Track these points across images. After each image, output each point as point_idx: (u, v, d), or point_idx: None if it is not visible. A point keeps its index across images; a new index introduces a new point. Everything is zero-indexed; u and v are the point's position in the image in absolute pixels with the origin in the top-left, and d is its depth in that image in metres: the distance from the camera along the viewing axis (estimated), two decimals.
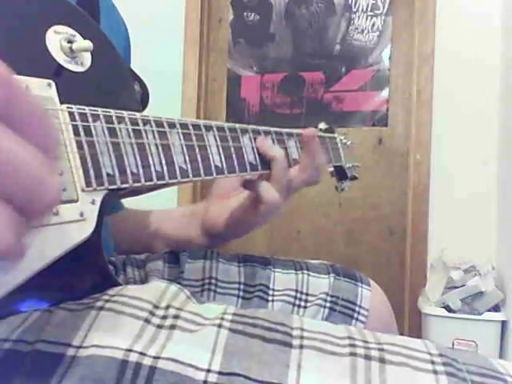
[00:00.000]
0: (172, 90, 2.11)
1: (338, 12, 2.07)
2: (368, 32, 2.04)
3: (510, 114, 1.69)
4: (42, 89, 0.34)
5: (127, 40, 0.67)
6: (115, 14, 0.63)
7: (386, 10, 2.02)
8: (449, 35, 1.89)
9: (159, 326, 0.34)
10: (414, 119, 1.92)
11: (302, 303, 0.60)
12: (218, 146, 0.48)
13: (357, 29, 2.05)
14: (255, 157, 0.54)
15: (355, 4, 2.05)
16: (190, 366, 0.31)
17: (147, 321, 0.35)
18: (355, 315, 0.60)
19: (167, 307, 0.37)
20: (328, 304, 0.60)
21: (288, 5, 2.12)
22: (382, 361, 0.32)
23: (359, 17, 2.05)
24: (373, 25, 2.03)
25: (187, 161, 0.43)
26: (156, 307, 0.36)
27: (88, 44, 0.38)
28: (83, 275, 0.39)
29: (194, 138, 0.45)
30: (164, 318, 0.35)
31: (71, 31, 0.38)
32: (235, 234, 0.62)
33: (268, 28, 2.14)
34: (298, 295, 0.61)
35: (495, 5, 1.84)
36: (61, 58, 0.37)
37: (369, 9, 2.04)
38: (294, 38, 2.12)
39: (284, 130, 0.60)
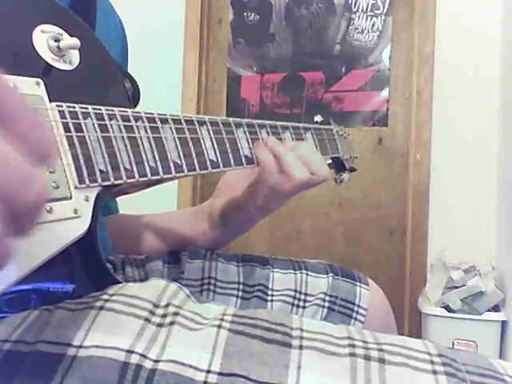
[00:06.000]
0: (172, 90, 2.11)
1: (338, 12, 2.07)
2: (368, 32, 2.04)
3: (510, 113, 1.69)
4: (31, 87, 0.34)
5: (124, 41, 0.67)
6: (113, 15, 0.63)
7: (386, 9, 2.02)
8: (449, 35, 1.89)
9: (159, 325, 0.34)
10: (414, 119, 1.92)
11: (301, 303, 0.60)
12: (211, 140, 0.47)
13: (357, 29, 2.05)
14: (250, 150, 0.53)
15: (355, 4, 2.05)
16: (190, 366, 0.31)
17: (147, 320, 0.34)
18: (354, 315, 0.60)
19: (167, 305, 0.37)
20: (327, 304, 0.60)
21: (288, 5, 2.12)
22: (381, 361, 0.32)
23: (359, 17, 2.05)
24: (373, 25, 2.03)
25: (181, 155, 0.43)
26: (156, 306, 0.36)
27: (75, 41, 0.37)
28: (80, 273, 0.39)
29: (187, 132, 0.45)
30: (164, 316, 0.35)
31: (58, 30, 0.38)
32: (243, 225, 0.62)
33: (268, 28, 2.14)
34: (297, 295, 0.61)
35: (495, 5, 1.84)
36: (48, 57, 0.37)
37: (369, 9, 2.04)
38: (294, 38, 2.12)
39: (279, 123, 0.59)
